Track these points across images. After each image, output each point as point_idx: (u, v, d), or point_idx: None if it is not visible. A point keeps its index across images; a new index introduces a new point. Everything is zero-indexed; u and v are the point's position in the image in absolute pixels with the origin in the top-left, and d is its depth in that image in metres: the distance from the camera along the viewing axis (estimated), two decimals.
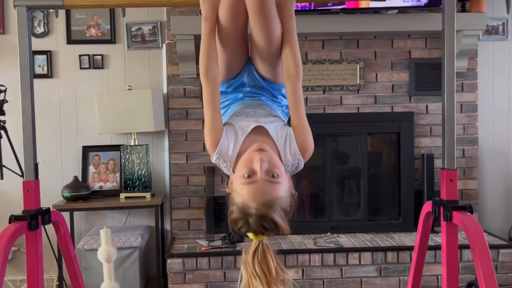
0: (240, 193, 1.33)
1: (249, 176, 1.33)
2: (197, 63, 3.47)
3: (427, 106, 3.60)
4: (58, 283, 3.40)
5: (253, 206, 1.28)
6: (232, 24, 1.54)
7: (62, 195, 3.38)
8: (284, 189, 1.35)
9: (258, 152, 1.35)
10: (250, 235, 1.35)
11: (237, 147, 1.47)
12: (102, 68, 3.63)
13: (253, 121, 1.51)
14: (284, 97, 1.64)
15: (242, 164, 1.38)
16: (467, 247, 3.16)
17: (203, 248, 3.22)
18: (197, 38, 3.36)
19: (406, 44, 3.58)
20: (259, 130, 1.49)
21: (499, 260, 3.22)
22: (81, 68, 3.62)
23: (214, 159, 1.51)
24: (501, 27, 3.75)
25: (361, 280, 3.20)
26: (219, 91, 1.54)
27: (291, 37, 1.53)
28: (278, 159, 1.42)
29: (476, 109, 3.64)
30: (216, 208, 3.42)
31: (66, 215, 3.13)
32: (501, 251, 3.22)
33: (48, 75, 3.60)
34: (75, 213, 3.48)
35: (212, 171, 3.48)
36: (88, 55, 3.61)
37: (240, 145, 1.47)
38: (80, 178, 3.53)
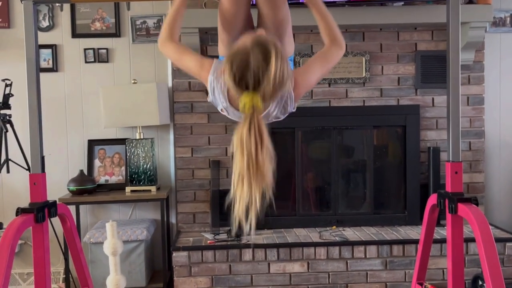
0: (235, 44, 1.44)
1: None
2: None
3: (433, 99, 3.58)
4: (64, 276, 3.43)
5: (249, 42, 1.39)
6: (235, 5, 1.56)
7: (68, 189, 3.39)
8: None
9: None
10: (242, 101, 1.38)
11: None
12: (107, 61, 3.63)
13: None
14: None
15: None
16: (473, 240, 3.14)
17: (208, 241, 3.23)
18: (202, 31, 3.36)
19: (412, 37, 3.56)
20: None
21: (506, 254, 3.20)
22: (86, 62, 3.62)
23: (209, 81, 1.56)
24: (508, 19, 3.71)
25: (367, 273, 3.20)
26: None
27: None
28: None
29: (483, 102, 3.61)
30: (222, 202, 3.42)
31: (72, 208, 3.15)
32: (508, 244, 3.21)
33: (53, 69, 3.60)
34: (81, 207, 3.49)
35: (217, 164, 3.49)
36: (93, 48, 3.62)
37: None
38: (85, 172, 3.54)
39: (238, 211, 1.42)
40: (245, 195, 1.37)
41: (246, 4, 1.61)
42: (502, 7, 3.68)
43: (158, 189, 3.49)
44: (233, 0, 1.57)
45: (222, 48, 1.71)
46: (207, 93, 1.59)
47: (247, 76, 1.33)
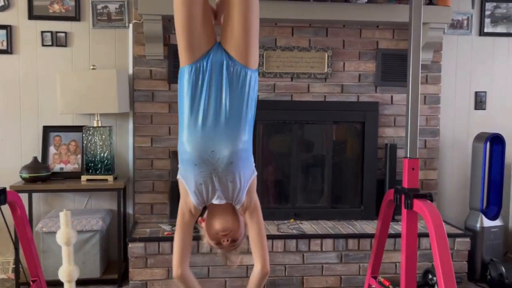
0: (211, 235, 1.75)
1: (217, 244, 1.76)
2: (165, 44, 3.43)
3: (392, 96, 3.66)
4: (14, 266, 3.31)
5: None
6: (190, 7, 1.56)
7: (21, 176, 3.28)
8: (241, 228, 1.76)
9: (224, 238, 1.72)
10: None
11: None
12: (65, 46, 3.51)
13: (216, 196, 1.70)
14: (250, 86, 1.64)
15: (210, 239, 1.76)
16: (425, 235, 3.24)
17: (165, 233, 3.19)
18: (165, 19, 3.30)
19: (374, 35, 3.61)
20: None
21: (455, 249, 3.32)
22: (43, 45, 3.50)
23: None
24: (465, 22, 3.83)
25: (322, 266, 3.25)
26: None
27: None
28: (237, 223, 1.74)
29: (439, 101, 3.72)
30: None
31: (24, 196, 3.05)
32: (457, 240, 3.32)
33: (8, 51, 3.46)
34: (34, 195, 3.38)
35: (177, 155, 3.44)
36: (51, 32, 3.49)
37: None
38: (40, 159, 3.43)
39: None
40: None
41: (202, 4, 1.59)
42: (460, 10, 3.79)
43: (115, 178, 3.42)
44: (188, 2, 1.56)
45: (183, 58, 1.65)
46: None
47: None
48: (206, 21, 1.61)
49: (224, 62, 1.61)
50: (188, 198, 1.72)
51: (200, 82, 1.61)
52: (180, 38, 1.60)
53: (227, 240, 1.69)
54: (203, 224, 1.76)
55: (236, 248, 1.77)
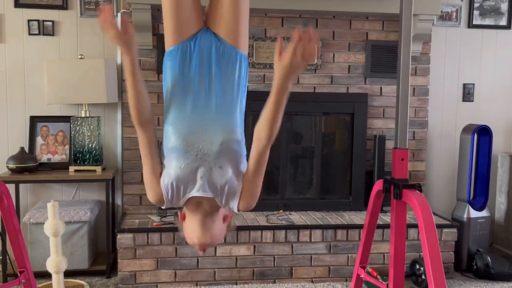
0: (189, 242, 1.60)
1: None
2: (154, 34, 3.40)
3: (381, 88, 3.67)
4: (1, 257, 3.28)
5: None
6: None
7: (7, 167, 3.24)
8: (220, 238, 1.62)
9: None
10: None
11: (181, 202, 1.53)
12: (52, 35, 3.46)
13: (197, 186, 1.48)
14: (240, 69, 1.56)
15: (189, 239, 1.59)
16: (412, 226, 3.27)
17: (154, 224, 3.18)
18: (154, 8, 3.26)
19: (363, 26, 3.61)
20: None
21: (442, 239, 3.36)
22: (30, 34, 3.45)
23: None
24: (454, 14, 3.84)
25: (311, 256, 3.26)
26: (154, 137, 1.50)
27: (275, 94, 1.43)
28: (217, 233, 1.58)
29: (428, 93, 3.74)
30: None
31: (11, 187, 3.02)
32: (444, 230, 3.36)
33: None
34: (21, 186, 3.35)
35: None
36: (38, 20, 3.44)
37: (182, 203, 1.53)
38: (27, 149, 3.39)
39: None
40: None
41: None
42: (449, 2, 3.81)
43: (103, 169, 3.40)
44: None
45: (169, 40, 1.57)
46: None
47: None
48: (195, 2, 1.57)
49: (214, 43, 1.53)
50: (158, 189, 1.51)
51: (188, 62, 1.52)
52: (167, 18, 1.52)
53: (204, 250, 1.59)
54: (183, 224, 1.59)
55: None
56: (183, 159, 1.46)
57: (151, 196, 1.53)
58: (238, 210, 1.53)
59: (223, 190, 1.48)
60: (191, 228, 1.56)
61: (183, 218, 1.58)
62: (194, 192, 1.48)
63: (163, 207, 1.55)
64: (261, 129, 1.44)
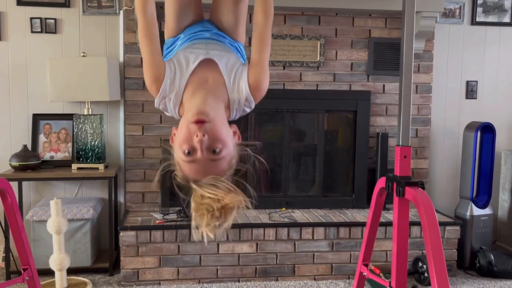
0: (182, 167, 1.33)
1: (189, 153, 1.28)
2: None
3: (384, 85, 3.66)
4: (4, 255, 3.29)
5: (196, 181, 1.29)
6: None
7: (10, 164, 3.25)
8: (228, 159, 1.33)
9: (198, 127, 1.25)
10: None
11: (183, 82, 1.37)
12: (55, 32, 3.47)
13: (202, 53, 1.41)
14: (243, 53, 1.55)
15: (181, 137, 1.30)
16: (415, 223, 3.27)
17: (157, 221, 3.19)
18: (156, 6, 3.25)
19: (366, 23, 3.61)
20: (208, 64, 1.40)
21: (445, 237, 3.35)
22: (32, 31, 3.45)
23: (157, 100, 1.42)
24: (458, 11, 3.83)
25: (314, 254, 3.26)
26: (157, 27, 1.43)
27: None
28: (221, 125, 1.31)
29: (431, 90, 3.73)
30: (172, 182, 3.37)
31: (14, 185, 3.02)
32: (447, 228, 3.35)
33: None
34: (24, 183, 3.35)
35: (168, 143, 3.42)
36: (40, 18, 3.44)
37: (186, 80, 1.37)
38: (29, 147, 3.40)
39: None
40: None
41: None
42: None
43: (106, 167, 3.40)
44: None
45: (169, 29, 1.56)
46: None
47: None
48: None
49: (214, 31, 1.52)
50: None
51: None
52: (169, 5, 1.52)
53: (203, 136, 1.24)
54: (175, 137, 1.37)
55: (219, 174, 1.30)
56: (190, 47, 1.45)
57: (149, 72, 1.38)
58: (249, 87, 1.43)
59: (228, 63, 1.42)
60: (188, 101, 1.37)
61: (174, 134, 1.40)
62: (201, 56, 1.39)
63: (156, 98, 1.41)
64: (256, 12, 1.43)
